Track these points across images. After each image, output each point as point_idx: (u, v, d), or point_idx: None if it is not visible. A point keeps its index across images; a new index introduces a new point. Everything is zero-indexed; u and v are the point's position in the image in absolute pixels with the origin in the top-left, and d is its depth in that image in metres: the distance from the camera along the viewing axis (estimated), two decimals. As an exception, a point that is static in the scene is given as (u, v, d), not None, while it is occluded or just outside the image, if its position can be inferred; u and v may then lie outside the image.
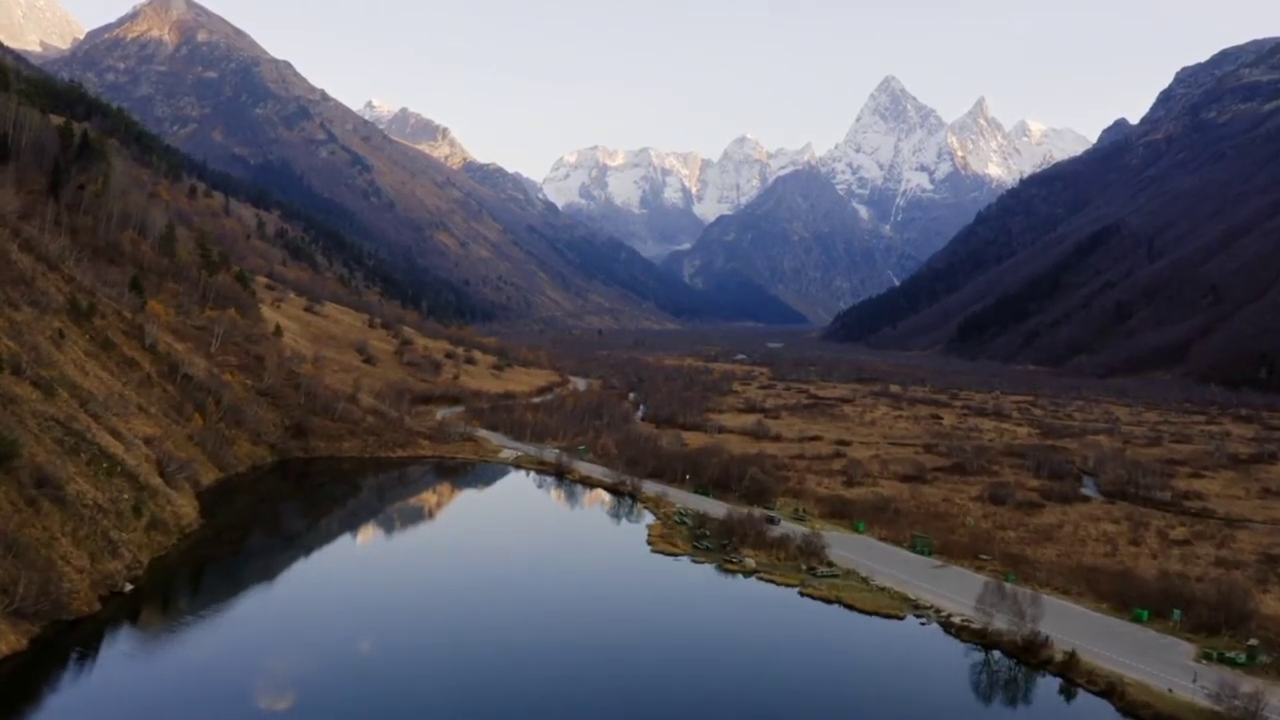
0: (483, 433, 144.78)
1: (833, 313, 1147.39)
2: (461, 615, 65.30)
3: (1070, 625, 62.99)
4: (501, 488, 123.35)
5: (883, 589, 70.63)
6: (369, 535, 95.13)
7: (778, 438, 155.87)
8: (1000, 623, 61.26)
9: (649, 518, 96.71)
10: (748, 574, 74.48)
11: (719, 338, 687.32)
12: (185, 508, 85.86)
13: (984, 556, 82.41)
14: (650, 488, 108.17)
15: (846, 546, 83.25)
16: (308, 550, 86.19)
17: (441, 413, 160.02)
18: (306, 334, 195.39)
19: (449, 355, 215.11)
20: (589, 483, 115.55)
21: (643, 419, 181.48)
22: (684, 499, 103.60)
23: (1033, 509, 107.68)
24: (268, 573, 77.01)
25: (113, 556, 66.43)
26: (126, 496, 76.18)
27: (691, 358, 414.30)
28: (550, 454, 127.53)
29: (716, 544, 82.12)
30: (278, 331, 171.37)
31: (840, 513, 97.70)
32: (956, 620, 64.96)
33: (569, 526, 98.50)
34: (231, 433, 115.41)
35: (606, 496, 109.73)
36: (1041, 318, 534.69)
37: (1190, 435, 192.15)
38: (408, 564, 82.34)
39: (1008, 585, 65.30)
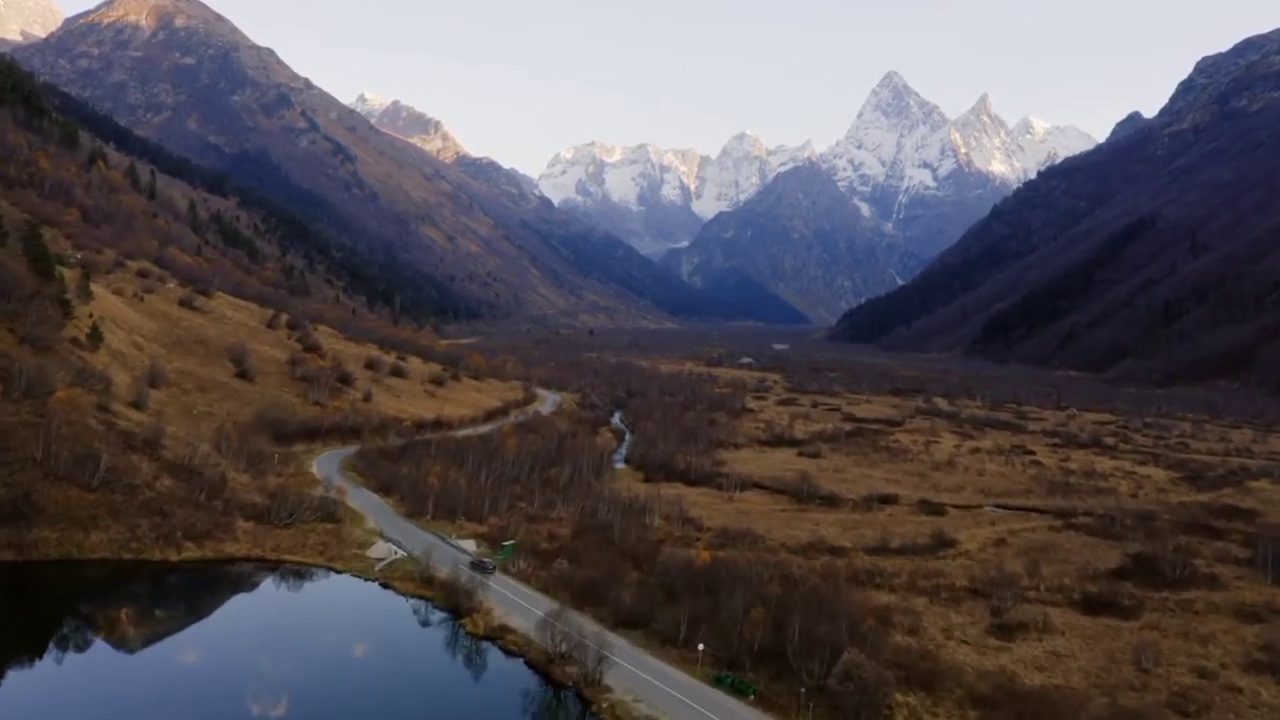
0: (358, 501, 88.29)
1: (835, 311, 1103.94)
2: None
3: None
4: (325, 652, 60.20)
5: None
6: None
7: (831, 500, 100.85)
8: None
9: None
10: None
11: (720, 338, 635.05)
12: None
13: None
14: (622, 657, 52.73)
15: None
16: None
17: (318, 460, 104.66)
18: (164, 337, 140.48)
19: (370, 365, 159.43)
20: (504, 643, 57.75)
21: (625, 462, 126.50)
22: (691, 701, 48.59)
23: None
24: None
25: None
26: None
27: (691, 361, 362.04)
28: (454, 556, 72.36)
29: None
30: (94, 335, 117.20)
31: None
32: None
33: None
34: None
35: (532, 683, 53.09)
36: (1077, 317, 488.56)
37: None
38: None
39: None
